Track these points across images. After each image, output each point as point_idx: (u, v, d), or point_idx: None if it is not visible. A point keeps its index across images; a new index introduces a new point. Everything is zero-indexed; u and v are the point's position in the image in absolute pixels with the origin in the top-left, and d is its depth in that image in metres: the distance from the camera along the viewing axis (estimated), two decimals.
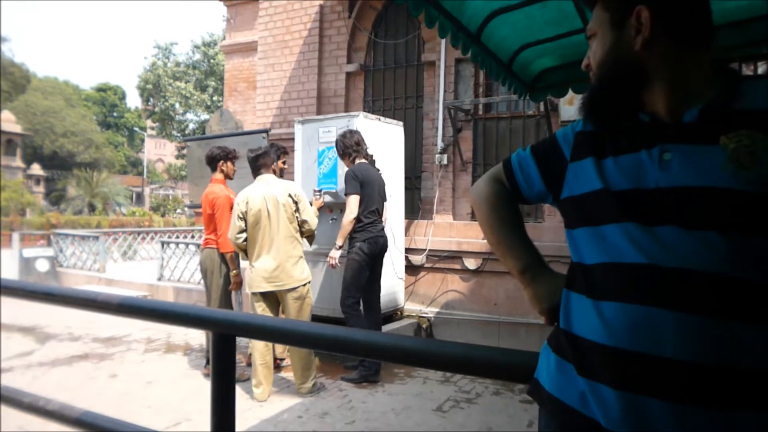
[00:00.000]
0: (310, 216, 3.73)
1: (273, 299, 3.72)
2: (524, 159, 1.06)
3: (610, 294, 0.79)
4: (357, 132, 4.10)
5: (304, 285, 3.70)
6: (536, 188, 1.03)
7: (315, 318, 4.34)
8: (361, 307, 4.07)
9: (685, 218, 0.76)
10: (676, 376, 0.72)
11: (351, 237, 3.99)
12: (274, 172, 3.87)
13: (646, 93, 0.86)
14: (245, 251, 3.74)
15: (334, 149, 4.65)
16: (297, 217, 3.68)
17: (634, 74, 0.85)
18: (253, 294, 3.68)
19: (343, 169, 4.45)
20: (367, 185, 3.93)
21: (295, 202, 3.66)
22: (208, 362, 4.15)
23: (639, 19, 0.83)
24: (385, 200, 4.19)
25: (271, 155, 3.80)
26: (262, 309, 3.70)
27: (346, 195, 3.93)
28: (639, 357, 0.74)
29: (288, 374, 4.09)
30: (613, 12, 0.88)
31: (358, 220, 3.93)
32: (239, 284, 4.08)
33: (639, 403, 0.74)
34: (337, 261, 3.95)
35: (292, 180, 4.84)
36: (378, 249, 4.00)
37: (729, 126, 0.77)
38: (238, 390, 3.50)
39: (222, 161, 4.12)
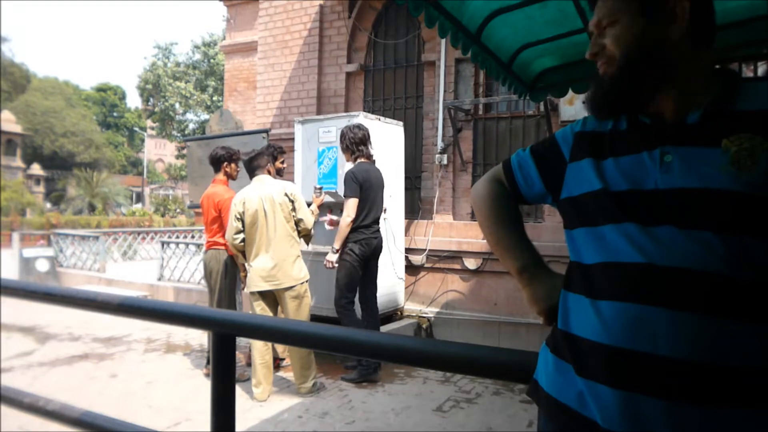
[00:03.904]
0: (306, 215, 3.75)
1: (271, 299, 3.74)
2: (524, 159, 1.05)
3: (607, 293, 0.80)
4: (365, 128, 4.06)
5: (302, 284, 3.72)
6: (536, 188, 1.03)
7: (314, 318, 4.35)
8: (359, 308, 4.07)
9: (684, 219, 0.76)
10: (672, 374, 0.73)
11: (346, 237, 3.96)
12: (270, 173, 3.87)
13: (656, 90, 0.85)
14: (243, 252, 3.75)
15: (334, 149, 4.64)
16: (293, 216, 3.71)
17: (662, 66, 0.83)
18: (252, 293, 3.70)
19: (343, 169, 4.44)
20: (366, 189, 3.90)
21: (291, 201, 3.69)
22: (208, 362, 4.16)
23: (675, 7, 0.82)
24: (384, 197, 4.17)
25: (265, 156, 3.81)
26: (260, 308, 3.71)
27: (344, 197, 3.92)
28: (635, 355, 0.75)
29: (288, 374, 4.09)
30: (642, 1, 0.84)
31: (353, 221, 3.90)
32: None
33: (635, 402, 0.75)
34: (334, 263, 3.91)
35: (292, 180, 4.85)
36: (370, 250, 3.96)
37: (731, 128, 0.78)
38: (238, 390, 3.50)
39: (226, 162, 4.13)
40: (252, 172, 3.78)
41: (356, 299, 4.03)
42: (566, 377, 0.86)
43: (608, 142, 0.89)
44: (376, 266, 4.15)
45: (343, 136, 4.05)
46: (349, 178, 3.89)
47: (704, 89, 0.83)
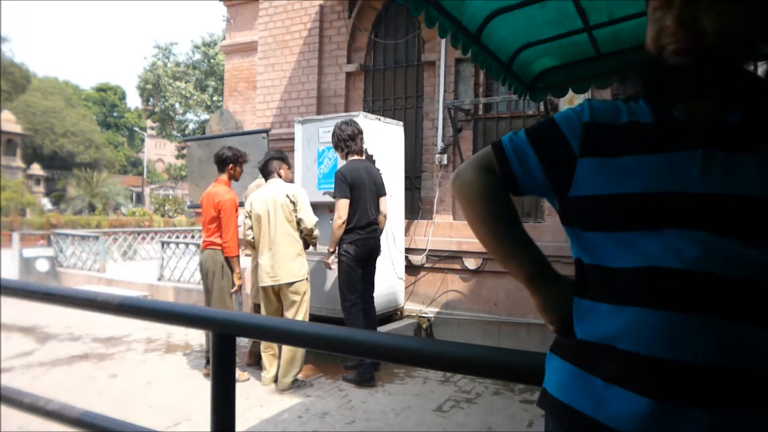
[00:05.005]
0: (306, 215, 3.86)
1: (275, 294, 3.91)
2: (520, 145, 0.92)
3: (640, 300, 0.76)
4: (354, 124, 4.01)
5: (301, 281, 3.84)
6: (536, 180, 0.91)
7: (315, 318, 4.35)
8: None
9: (725, 226, 0.73)
10: (712, 383, 0.71)
11: (341, 239, 3.93)
12: (280, 176, 3.97)
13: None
14: (254, 247, 3.99)
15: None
16: (295, 216, 3.85)
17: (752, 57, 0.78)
18: (259, 287, 3.93)
19: None
20: (357, 188, 3.84)
21: (293, 203, 3.83)
22: (208, 362, 4.16)
23: None
24: (383, 195, 4.09)
25: (275, 161, 3.97)
26: (264, 301, 3.91)
27: (334, 198, 3.89)
28: (671, 364, 0.72)
29: None
30: None
31: (347, 222, 3.86)
32: (241, 286, 4.14)
33: (672, 411, 0.72)
34: (329, 263, 3.95)
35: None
36: (366, 251, 3.91)
37: None
38: (238, 390, 3.50)
39: (232, 165, 4.13)
40: (267, 176, 3.99)
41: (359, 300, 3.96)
42: (580, 383, 0.82)
43: (628, 136, 0.82)
44: (374, 267, 4.10)
45: (333, 134, 4.02)
46: (338, 178, 3.85)
47: (744, 89, 0.79)
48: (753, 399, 0.71)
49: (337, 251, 3.96)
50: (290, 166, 4.16)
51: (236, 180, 4.24)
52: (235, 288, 4.05)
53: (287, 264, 3.79)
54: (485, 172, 0.95)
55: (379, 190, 4.06)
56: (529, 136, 0.92)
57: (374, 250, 4.01)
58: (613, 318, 0.78)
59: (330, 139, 4.67)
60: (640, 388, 0.74)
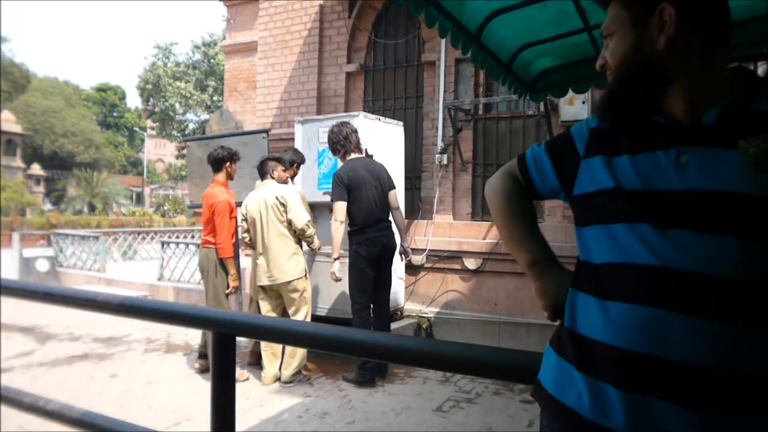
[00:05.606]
0: (296, 216, 3.88)
1: (274, 292, 4.01)
2: (538, 155, 1.04)
3: (618, 294, 0.79)
4: (347, 124, 3.97)
5: (298, 279, 3.90)
6: (549, 184, 1.02)
7: (315, 318, 4.35)
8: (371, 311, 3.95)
9: (701, 222, 0.75)
10: (684, 379, 0.72)
11: (351, 240, 3.88)
12: (273, 178, 4.01)
13: (664, 94, 0.84)
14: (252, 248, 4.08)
15: None
16: (286, 216, 3.92)
17: (656, 75, 0.83)
18: (258, 287, 4.01)
19: None
20: (356, 187, 3.78)
21: (282, 204, 3.89)
22: (200, 356, 4.19)
23: (662, 16, 0.80)
24: (392, 189, 4.00)
25: (269, 162, 4.05)
26: (263, 301, 4.01)
27: (331, 201, 3.87)
28: (646, 359, 0.74)
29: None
30: (634, 10, 0.84)
31: (353, 223, 3.82)
32: (236, 288, 4.11)
33: (645, 405, 0.74)
34: (338, 274, 3.82)
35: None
36: (378, 249, 3.82)
37: (748, 129, 0.76)
38: (238, 390, 3.49)
39: (228, 163, 4.14)
40: (262, 177, 4.06)
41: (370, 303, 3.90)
42: (569, 377, 0.85)
43: (624, 139, 0.88)
44: (390, 268, 3.99)
45: (328, 139, 4.00)
46: (335, 181, 3.82)
47: (718, 89, 0.81)
48: (730, 397, 0.71)
49: (348, 254, 3.90)
50: (287, 167, 4.15)
51: (232, 179, 4.24)
52: (229, 290, 4.03)
53: (282, 264, 3.87)
54: (509, 178, 1.09)
55: (385, 185, 3.95)
56: (547, 145, 1.05)
57: (387, 249, 3.90)
58: (596, 312, 0.82)
59: None
60: (620, 382, 0.77)
